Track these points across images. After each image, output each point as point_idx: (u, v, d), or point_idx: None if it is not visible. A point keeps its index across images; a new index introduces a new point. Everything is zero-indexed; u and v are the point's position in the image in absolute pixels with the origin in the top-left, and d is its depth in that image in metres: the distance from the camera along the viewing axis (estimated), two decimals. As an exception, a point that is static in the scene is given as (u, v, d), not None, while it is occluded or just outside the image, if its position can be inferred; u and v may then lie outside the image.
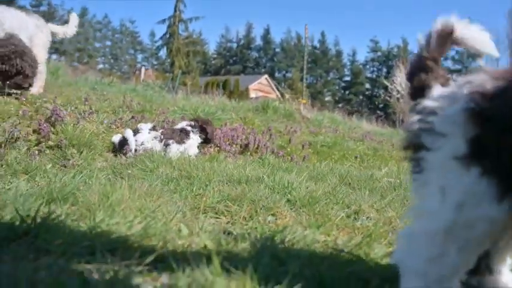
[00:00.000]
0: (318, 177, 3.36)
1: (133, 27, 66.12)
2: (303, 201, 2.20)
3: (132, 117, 4.72)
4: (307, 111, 11.99)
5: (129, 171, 2.93)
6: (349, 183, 3.19)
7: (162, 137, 4.15)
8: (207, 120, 4.87)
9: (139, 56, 66.70)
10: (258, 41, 68.95)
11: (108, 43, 64.62)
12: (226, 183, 2.62)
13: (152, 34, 62.68)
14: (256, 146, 5.24)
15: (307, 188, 2.55)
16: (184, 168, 2.92)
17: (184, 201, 2.13)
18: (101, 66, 59.25)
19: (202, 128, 4.61)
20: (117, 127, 4.34)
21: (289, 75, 61.11)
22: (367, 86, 65.07)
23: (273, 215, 1.96)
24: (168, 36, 46.72)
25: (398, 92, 40.02)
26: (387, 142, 7.55)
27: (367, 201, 2.38)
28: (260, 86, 44.78)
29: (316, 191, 2.47)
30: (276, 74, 64.74)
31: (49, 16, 54.13)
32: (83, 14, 60.61)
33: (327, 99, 59.37)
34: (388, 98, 40.25)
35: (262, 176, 2.75)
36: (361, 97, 65.02)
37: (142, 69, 21.92)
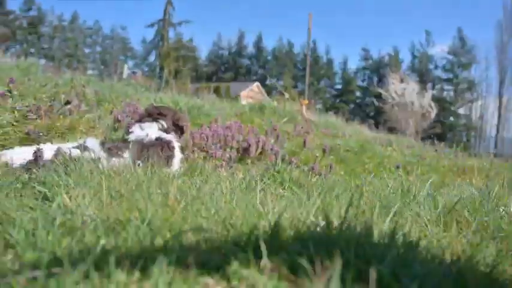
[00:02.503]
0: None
1: (124, 33, 64.44)
2: None
3: (67, 102, 3.05)
4: (310, 113, 10.44)
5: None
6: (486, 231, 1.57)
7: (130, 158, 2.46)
8: (175, 110, 3.22)
9: (130, 63, 64.96)
10: (250, 49, 68.22)
11: (99, 49, 62.96)
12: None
13: (144, 41, 60.99)
14: (259, 150, 3.63)
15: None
16: (120, 197, 1.28)
17: None
18: (90, 72, 57.31)
19: (175, 124, 2.97)
20: (39, 117, 2.69)
21: (280, 82, 60.02)
22: (358, 94, 64.59)
23: None
24: (157, 40, 45.36)
25: (393, 99, 39.05)
26: (419, 148, 5.99)
27: None
28: (251, 93, 43.80)
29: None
30: (267, 82, 63.63)
31: (38, 21, 52.51)
32: (73, 19, 58.93)
33: (317, 107, 58.36)
34: (382, 106, 39.18)
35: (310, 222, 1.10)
36: (351, 105, 64.48)
37: (125, 67, 20.11)
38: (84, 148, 2.31)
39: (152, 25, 44.94)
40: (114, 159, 2.37)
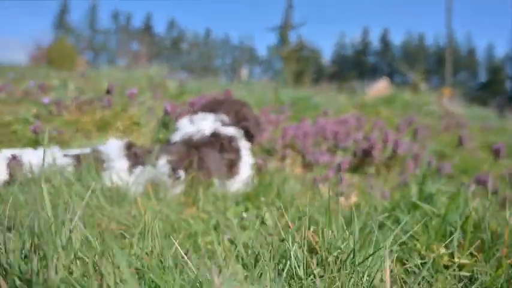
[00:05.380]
0: None
1: (251, 43, 68.05)
2: None
3: (107, 91, 2.27)
4: (453, 105, 8.39)
5: None
6: None
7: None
8: (239, 101, 2.18)
9: (258, 69, 67.71)
10: (376, 45, 64.59)
11: (229, 60, 67.49)
12: None
13: (269, 48, 62.74)
14: (388, 152, 2.38)
15: None
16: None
17: None
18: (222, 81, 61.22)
19: (238, 117, 1.96)
20: (69, 112, 1.96)
21: (409, 78, 55.05)
22: (508, 84, 55.36)
23: None
24: (279, 44, 45.98)
25: None
26: None
27: None
28: (379, 91, 40.73)
29: None
30: (395, 79, 59.04)
31: (179, 40, 59.29)
32: (207, 34, 64.53)
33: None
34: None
35: None
36: (498, 97, 55.41)
37: (244, 70, 20.13)
38: (96, 154, 1.48)
39: (274, 29, 45.70)
40: (139, 169, 1.48)
